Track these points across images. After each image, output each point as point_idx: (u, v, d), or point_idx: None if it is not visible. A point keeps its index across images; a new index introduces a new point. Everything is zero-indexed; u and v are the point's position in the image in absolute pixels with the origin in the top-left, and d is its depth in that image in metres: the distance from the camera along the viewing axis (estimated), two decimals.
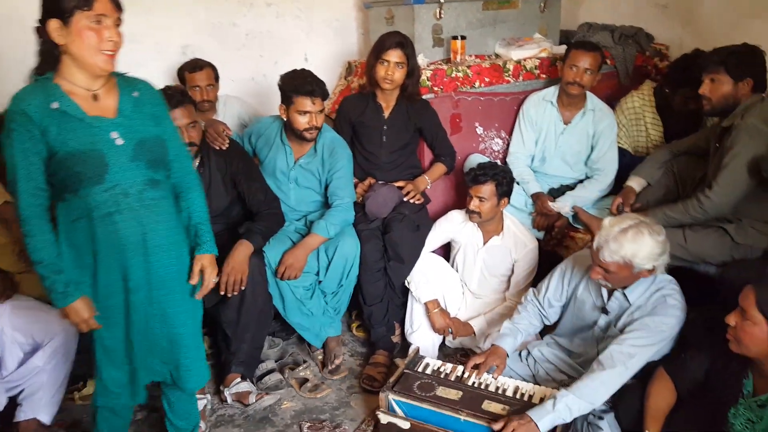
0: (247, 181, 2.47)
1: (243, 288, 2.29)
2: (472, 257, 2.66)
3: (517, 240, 2.61)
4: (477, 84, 2.93)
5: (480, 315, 2.63)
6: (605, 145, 2.83)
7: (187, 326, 1.81)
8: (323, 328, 2.57)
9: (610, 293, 2.04)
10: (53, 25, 1.49)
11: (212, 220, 2.42)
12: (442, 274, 2.65)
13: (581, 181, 2.92)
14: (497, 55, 3.13)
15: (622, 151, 2.92)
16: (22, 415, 2.12)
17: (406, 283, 2.61)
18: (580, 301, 2.15)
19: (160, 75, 3.18)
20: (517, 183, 2.87)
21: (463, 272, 2.71)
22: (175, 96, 2.20)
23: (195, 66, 2.87)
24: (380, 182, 2.70)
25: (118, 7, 1.54)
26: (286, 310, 2.50)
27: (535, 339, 2.37)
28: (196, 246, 1.83)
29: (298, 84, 2.37)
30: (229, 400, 2.39)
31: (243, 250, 2.29)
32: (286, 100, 2.42)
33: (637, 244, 1.84)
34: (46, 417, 2.14)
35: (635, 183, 2.64)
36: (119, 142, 1.58)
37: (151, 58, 3.16)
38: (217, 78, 2.95)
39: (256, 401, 2.35)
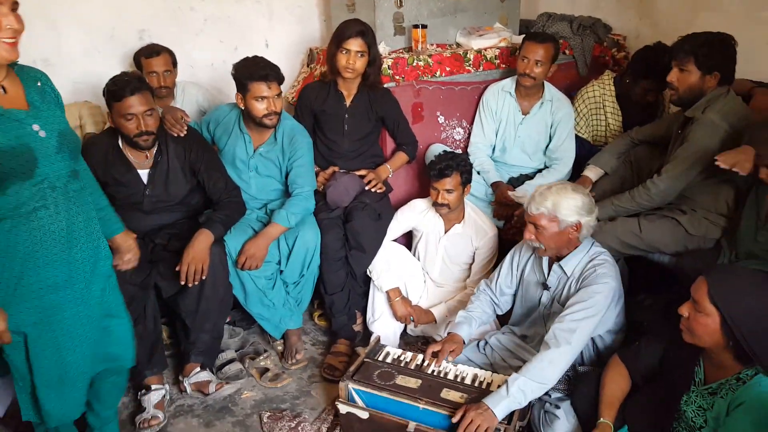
0: (207, 170, 2.43)
1: (203, 277, 2.27)
2: (433, 246, 2.69)
3: (477, 228, 2.65)
4: (438, 73, 2.95)
5: (441, 303, 2.66)
6: (563, 135, 2.88)
7: (114, 316, 1.80)
8: (283, 320, 2.56)
9: (550, 268, 2.11)
10: None
11: (171, 208, 2.43)
12: (403, 263, 2.67)
13: (540, 171, 2.97)
14: (458, 45, 3.14)
15: (580, 141, 2.97)
16: None
17: (368, 272, 2.62)
18: (527, 282, 2.21)
19: (115, 60, 3.11)
20: (478, 173, 2.91)
21: (425, 261, 2.74)
22: (132, 82, 2.15)
23: (152, 51, 2.80)
24: (342, 171, 2.69)
25: None
26: (247, 300, 2.49)
27: (493, 330, 2.42)
28: (111, 229, 1.85)
29: (251, 70, 2.34)
30: (188, 390, 2.38)
31: (203, 239, 2.27)
32: (242, 87, 2.38)
33: (560, 196, 1.97)
34: None
35: (591, 172, 2.68)
36: (42, 134, 1.54)
37: (106, 43, 3.09)
38: (174, 64, 2.89)
39: (215, 391, 2.34)
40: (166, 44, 2.91)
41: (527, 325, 2.26)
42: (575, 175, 2.83)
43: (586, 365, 2.10)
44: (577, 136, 2.96)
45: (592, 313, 1.92)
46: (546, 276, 2.13)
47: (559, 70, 3.09)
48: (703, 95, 2.23)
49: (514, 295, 2.30)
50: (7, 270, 1.56)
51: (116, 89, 2.13)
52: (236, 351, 2.63)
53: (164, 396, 2.33)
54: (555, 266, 2.09)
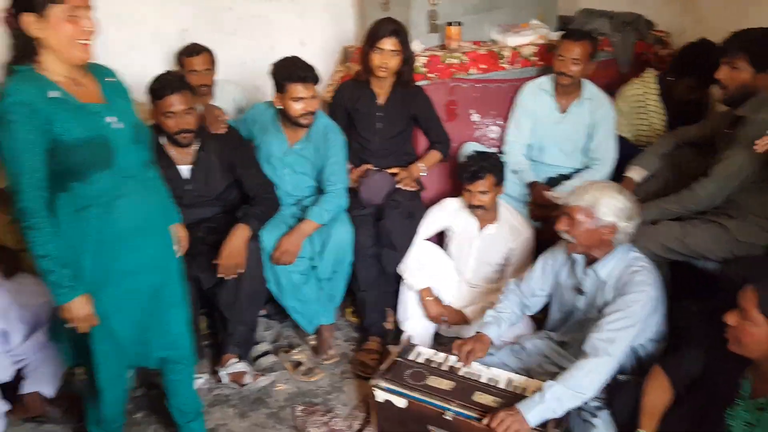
0: (244, 166, 2.50)
1: (241, 271, 2.32)
2: (467, 245, 2.67)
3: (512, 228, 2.62)
4: (473, 71, 2.92)
5: (475, 303, 2.65)
6: (603, 134, 2.82)
7: (179, 304, 1.88)
8: (316, 315, 2.59)
9: (585, 272, 2.06)
10: (28, 18, 1.49)
11: (210, 203, 2.50)
12: (436, 262, 2.66)
13: (579, 171, 2.91)
14: (494, 42, 3.11)
15: (622, 141, 2.90)
16: (27, 388, 2.18)
17: (400, 271, 2.63)
18: (562, 286, 2.17)
19: (158, 59, 3.19)
20: (513, 172, 2.88)
21: (458, 260, 2.72)
22: (173, 82, 2.23)
23: (193, 51, 2.88)
24: (374, 169, 2.71)
25: None
26: (281, 294, 2.53)
27: (528, 333, 2.39)
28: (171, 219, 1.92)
29: (289, 71, 2.38)
30: (224, 380, 2.43)
31: (241, 233, 2.33)
32: (280, 88, 2.43)
33: (601, 192, 1.93)
34: (48, 390, 2.20)
35: (635, 173, 2.59)
36: (118, 125, 1.61)
37: (149, 42, 3.17)
38: (214, 62, 2.96)
39: (251, 382, 2.40)
40: (205, 43, 2.98)
41: (565, 331, 2.22)
42: (616, 177, 2.75)
43: (626, 374, 2.02)
44: (618, 136, 2.89)
45: (631, 322, 1.87)
46: (580, 280, 2.09)
47: (599, 68, 3.02)
48: (755, 94, 2.14)
49: (549, 300, 2.27)
50: (94, 256, 1.64)
51: (158, 88, 2.21)
52: (271, 344, 2.69)
53: (202, 385, 2.40)
54: (589, 270, 2.05)
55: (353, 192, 2.64)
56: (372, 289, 2.63)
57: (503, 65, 3.00)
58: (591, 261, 2.05)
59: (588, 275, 2.05)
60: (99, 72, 1.68)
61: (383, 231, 2.57)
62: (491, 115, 3.05)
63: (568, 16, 3.35)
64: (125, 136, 1.63)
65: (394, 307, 2.71)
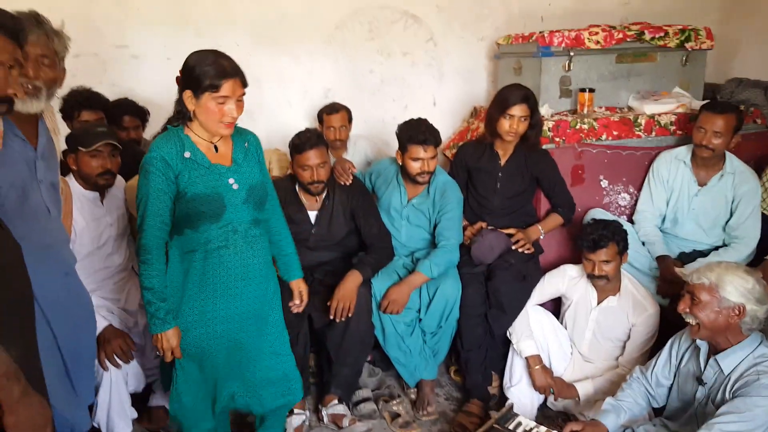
0: (364, 216, 2.65)
1: (350, 315, 2.44)
2: (583, 316, 2.54)
3: (635, 303, 2.46)
4: (604, 137, 2.86)
5: (587, 379, 2.49)
6: (746, 211, 2.59)
7: (279, 353, 2.02)
8: (418, 368, 2.61)
9: (707, 361, 1.87)
10: (187, 94, 1.75)
11: (331, 247, 2.67)
12: (548, 330, 2.56)
13: (717, 248, 2.68)
14: (630, 108, 3.02)
15: (767, 220, 2.64)
16: (154, 401, 2.43)
17: (508, 334, 2.57)
18: (683, 374, 1.98)
19: (304, 112, 3.56)
20: (643, 243, 2.72)
21: (573, 331, 2.59)
22: (312, 139, 2.47)
23: (332, 109, 3.16)
24: (490, 227, 2.71)
25: (242, 86, 1.77)
26: (386, 342, 2.59)
27: (643, 419, 2.18)
28: (290, 273, 2.08)
29: (412, 133, 2.52)
30: (325, 419, 2.52)
31: (353, 279, 2.45)
32: (402, 147, 2.57)
33: (728, 272, 1.82)
34: None
35: None
36: (235, 186, 1.84)
37: (298, 98, 3.55)
38: (350, 120, 3.21)
39: (348, 425, 2.45)
40: (346, 101, 3.26)
41: (682, 423, 2.00)
42: (758, 258, 2.50)
43: None
44: (763, 215, 2.63)
45: (747, 428, 1.67)
46: (702, 369, 1.90)
47: (749, 140, 2.80)
48: None
49: (671, 386, 2.08)
50: (193, 296, 1.86)
51: (299, 143, 2.46)
52: (372, 390, 2.73)
53: (304, 421, 2.49)
54: (712, 360, 1.86)
55: (466, 249, 2.66)
56: (477, 350, 2.59)
57: (638, 133, 2.90)
58: (715, 350, 1.86)
59: (710, 365, 1.86)
60: (238, 137, 1.91)
61: (493, 291, 2.54)
62: (622, 183, 2.94)
63: (716, 85, 3.16)
64: (238, 196, 1.84)
65: (501, 372, 2.64)
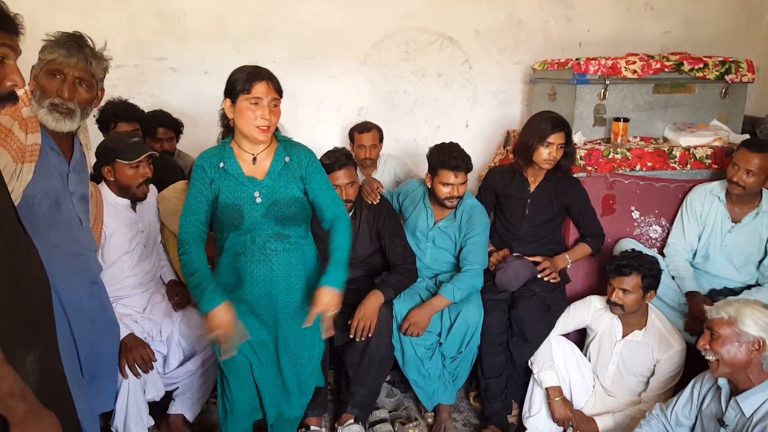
0: (389, 236, 2.65)
1: (370, 335, 2.43)
2: (608, 349, 2.49)
3: (662, 338, 2.40)
4: (637, 167, 2.81)
5: (608, 413, 2.44)
6: None
7: (290, 368, 2.06)
8: (437, 392, 2.58)
9: (728, 402, 1.82)
10: (227, 104, 1.88)
11: (354, 266, 2.67)
12: (571, 361, 2.51)
13: (750, 287, 2.59)
14: (665, 139, 2.96)
15: None
16: (173, 409, 2.46)
17: (529, 364, 2.53)
18: (705, 414, 1.92)
19: (336, 130, 3.60)
20: (672, 278, 2.66)
21: (597, 364, 2.54)
22: (341, 159, 2.50)
23: (364, 128, 3.19)
24: (515, 254, 2.68)
25: (275, 91, 1.86)
26: (405, 364, 2.58)
27: None
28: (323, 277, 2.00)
29: (444, 158, 2.51)
30: None
31: (375, 299, 2.45)
32: (432, 170, 2.57)
33: (746, 306, 1.82)
34: (190, 415, 2.47)
35: None
36: (258, 200, 1.91)
37: (332, 116, 3.59)
38: (381, 139, 3.23)
39: None
40: (378, 120, 3.28)
41: None
42: None
43: None
44: None
45: None
46: (723, 411, 1.84)
47: None
48: None
49: (692, 427, 2.02)
50: (231, 291, 1.95)
51: (328, 163, 2.49)
52: (390, 411, 2.72)
53: None
54: (732, 401, 1.80)
55: (491, 275, 2.64)
56: (498, 378, 2.56)
57: (672, 165, 2.84)
58: (736, 390, 1.81)
59: (732, 406, 1.81)
60: (284, 150, 1.97)
61: (516, 319, 2.51)
62: (654, 215, 2.88)
63: (757, 118, 3.08)
64: (259, 210, 1.91)
65: (520, 401, 2.60)
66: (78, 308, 1.74)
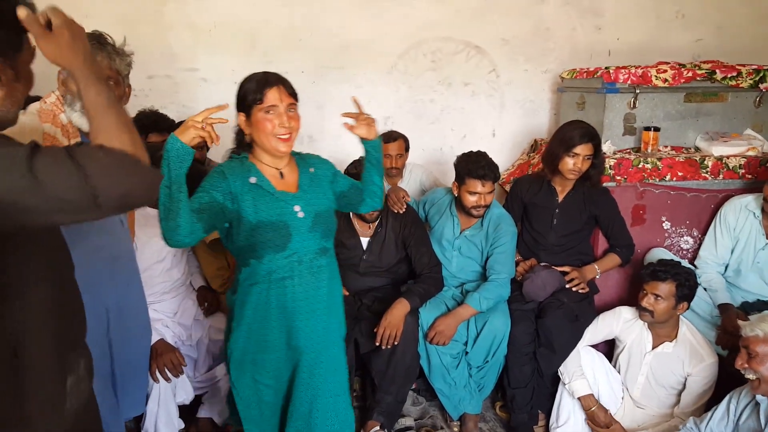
0: (415, 244, 2.66)
1: (396, 343, 2.44)
2: (637, 361, 2.45)
3: (693, 351, 2.35)
4: (668, 177, 2.77)
5: (638, 427, 2.40)
6: None
7: (332, 392, 1.86)
8: (462, 401, 2.57)
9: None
10: (240, 118, 1.73)
11: (381, 273, 2.69)
12: (600, 372, 2.48)
13: None
14: (697, 149, 2.92)
15: None
16: (202, 412, 2.51)
17: (559, 374, 2.51)
18: (743, 431, 1.88)
19: None
20: (705, 289, 2.61)
21: (626, 375, 2.51)
22: None
23: (389, 137, 3.19)
24: (543, 264, 2.67)
25: (290, 96, 1.71)
26: (431, 373, 2.57)
27: None
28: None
29: (471, 167, 2.50)
30: None
31: (401, 308, 2.46)
32: (459, 179, 2.57)
33: None
34: (218, 418, 2.51)
35: None
36: (300, 214, 1.75)
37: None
38: (407, 148, 3.24)
39: None
40: (404, 129, 3.29)
41: None
42: None
43: None
44: None
45: None
46: (763, 427, 1.79)
47: None
48: None
49: None
50: (256, 327, 1.79)
51: (355, 172, 2.49)
52: (415, 420, 2.72)
53: None
54: None
55: (518, 284, 2.63)
56: (524, 388, 2.54)
57: (704, 174, 2.79)
58: None
59: None
60: (304, 162, 1.86)
61: (543, 330, 2.49)
62: (685, 225, 2.84)
63: None
64: (304, 224, 1.75)
65: (547, 411, 2.58)
66: (117, 311, 1.77)
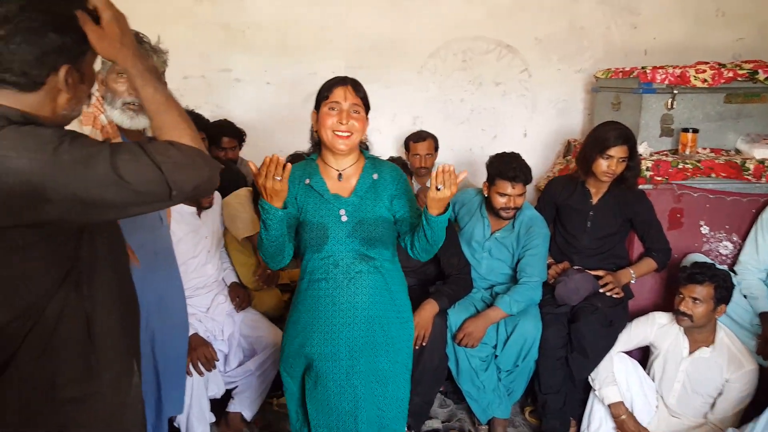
0: (444, 245, 2.60)
1: (424, 344, 2.42)
2: (673, 367, 2.39)
3: (731, 357, 2.28)
4: (707, 180, 2.69)
5: None
6: None
7: (377, 405, 1.79)
8: (491, 405, 2.54)
9: None
10: (313, 116, 1.77)
11: (408, 274, 2.64)
12: (633, 379, 2.42)
13: None
14: (738, 151, 2.83)
15: None
16: (232, 407, 2.52)
17: (590, 380, 2.46)
18: None
19: (392, 139, 3.62)
20: (744, 296, 2.53)
21: (661, 382, 2.44)
22: None
23: (419, 137, 3.20)
24: (576, 267, 2.61)
25: (356, 96, 1.72)
26: (459, 375, 2.55)
27: None
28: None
29: (502, 168, 2.47)
30: None
31: (429, 308, 2.44)
32: (490, 179, 2.54)
33: None
34: (248, 413, 2.52)
35: None
36: (344, 218, 1.73)
37: (387, 125, 3.61)
38: (436, 148, 3.23)
39: None
40: (434, 129, 3.28)
41: None
42: None
43: None
44: None
45: None
46: None
47: None
48: None
49: None
50: (291, 326, 1.80)
51: None
52: (442, 422, 2.69)
53: None
54: None
55: (550, 288, 2.58)
56: (556, 394, 2.49)
57: (746, 176, 2.70)
58: None
59: None
60: (372, 167, 1.80)
61: (576, 334, 2.44)
62: (725, 230, 2.76)
63: None
64: (344, 229, 1.73)
65: (578, 418, 2.53)
66: (158, 307, 1.79)
